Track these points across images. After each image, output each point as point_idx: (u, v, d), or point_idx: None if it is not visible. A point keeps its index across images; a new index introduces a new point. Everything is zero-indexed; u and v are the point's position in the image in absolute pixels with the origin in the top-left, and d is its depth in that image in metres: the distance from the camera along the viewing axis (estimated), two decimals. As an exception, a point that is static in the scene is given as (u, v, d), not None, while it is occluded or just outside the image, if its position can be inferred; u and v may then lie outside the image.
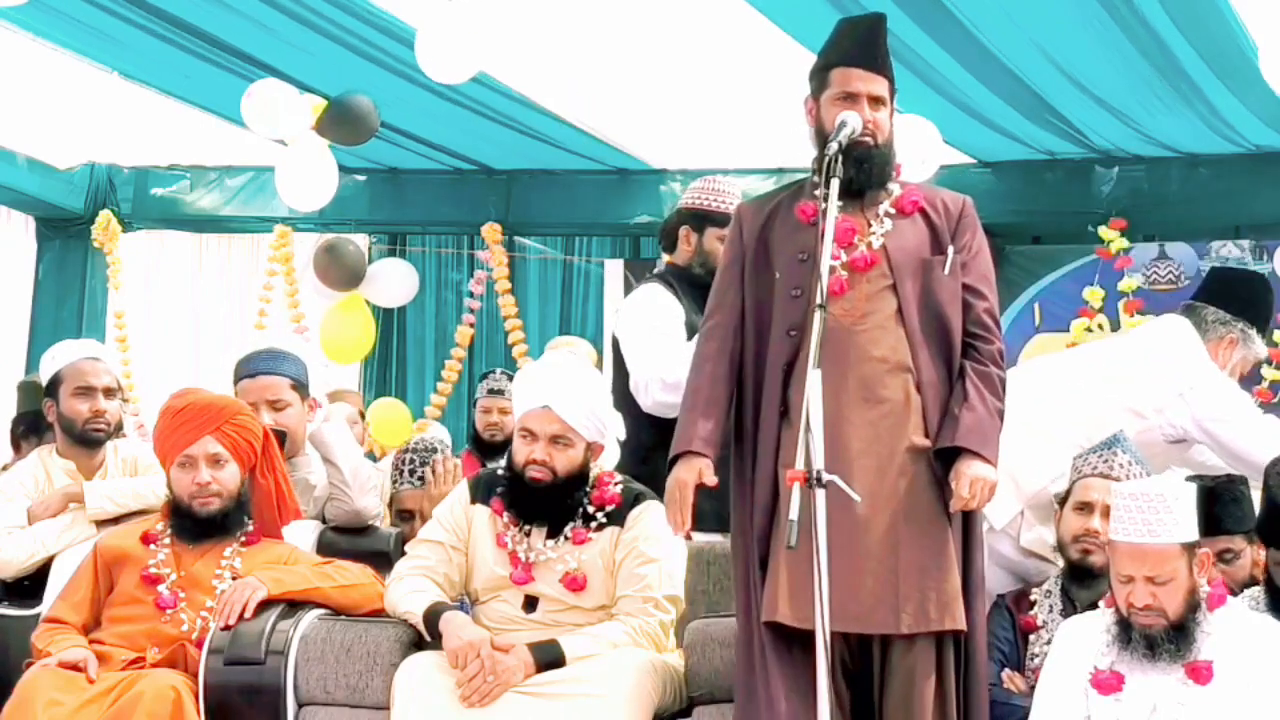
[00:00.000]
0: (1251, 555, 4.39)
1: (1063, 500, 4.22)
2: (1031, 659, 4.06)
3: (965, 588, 3.69)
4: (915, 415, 3.68)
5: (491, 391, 6.74)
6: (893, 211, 3.79)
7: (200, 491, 4.41)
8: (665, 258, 5.25)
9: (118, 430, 5.11)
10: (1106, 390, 4.48)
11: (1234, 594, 4.27)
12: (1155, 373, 4.53)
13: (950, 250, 3.75)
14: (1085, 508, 4.12)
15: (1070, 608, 4.09)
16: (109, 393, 4.99)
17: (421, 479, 5.21)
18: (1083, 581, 4.12)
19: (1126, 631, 3.66)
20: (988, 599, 3.92)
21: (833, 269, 3.66)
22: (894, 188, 3.83)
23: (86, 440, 4.97)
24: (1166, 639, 3.62)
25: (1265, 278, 5.19)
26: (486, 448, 6.51)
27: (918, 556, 3.60)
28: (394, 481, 5.27)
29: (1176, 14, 6.08)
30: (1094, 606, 3.98)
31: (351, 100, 7.25)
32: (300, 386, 5.06)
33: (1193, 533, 3.67)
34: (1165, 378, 4.52)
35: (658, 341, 4.79)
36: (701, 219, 4.99)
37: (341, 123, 7.30)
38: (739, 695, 3.76)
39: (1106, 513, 4.06)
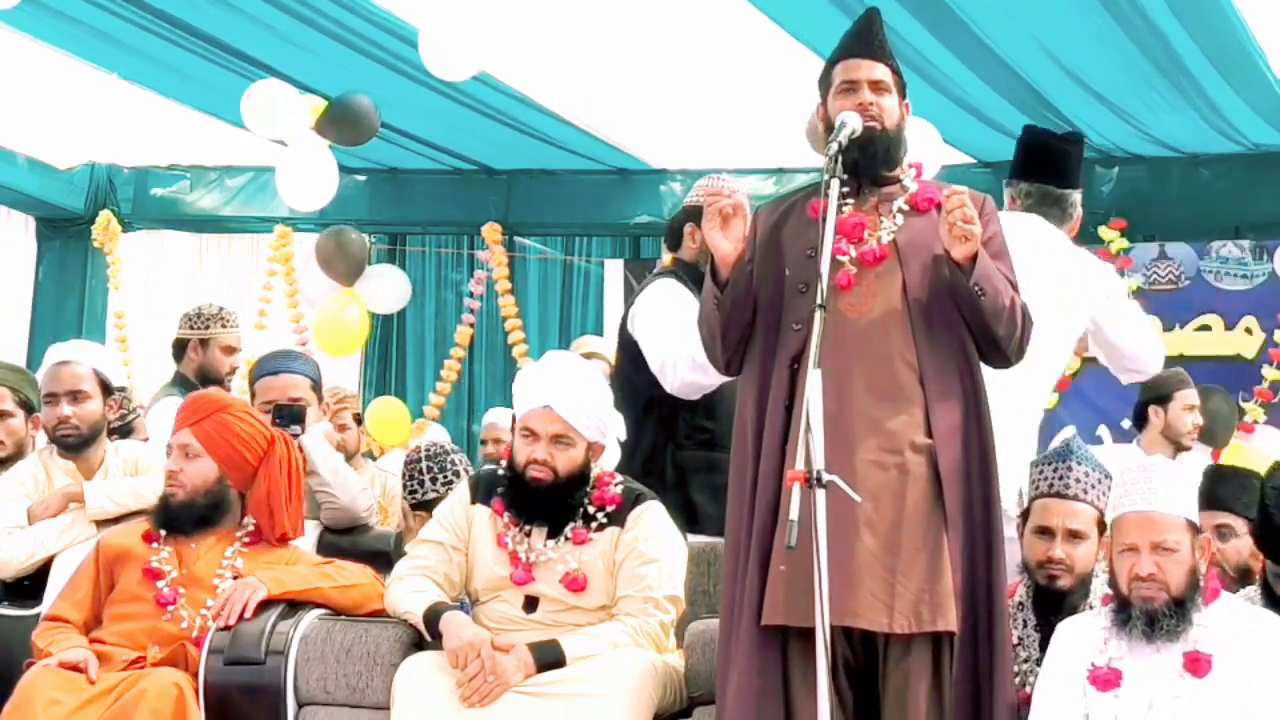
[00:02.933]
0: (1252, 548, 4.40)
1: (1024, 515, 4.14)
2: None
3: (988, 587, 3.66)
4: (919, 412, 3.67)
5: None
6: (907, 208, 3.79)
7: (168, 479, 4.46)
8: (667, 257, 5.26)
9: (94, 429, 4.98)
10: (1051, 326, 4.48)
11: (1228, 576, 4.29)
12: (1068, 291, 4.58)
13: None
14: (1045, 532, 4.03)
15: (1045, 624, 4.00)
16: (75, 396, 4.94)
17: (449, 484, 5.00)
18: (1050, 605, 4.03)
19: (1125, 610, 3.65)
20: None
21: (841, 264, 3.68)
22: (911, 184, 3.83)
23: (62, 446, 4.96)
24: (1167, 614, 3.60)
25: (1079, 135, 5.14)
26: None
27: (915, 557, 3.59)
28: (412, 491, 5.04)
29: (1176, 7, 6.08)
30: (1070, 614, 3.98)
31: (351, 100, 7.25)
32: (317, 387, 5.20)
33: (1195, 512, 3.70)
34: (1076, 290, 4.60)
35: (684, 325, 4.78)
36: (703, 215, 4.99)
37: (342, 123, 7.30)
38: (719, 694, 3.75)
39: (1068, 536, 4.00)
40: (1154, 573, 3.62)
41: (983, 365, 3.81)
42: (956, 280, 3.67)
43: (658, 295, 4.98)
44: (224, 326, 6.27)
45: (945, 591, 3.59)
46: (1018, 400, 4.32)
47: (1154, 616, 3.61)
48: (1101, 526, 4.04)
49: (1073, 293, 4.58)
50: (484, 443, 6.88)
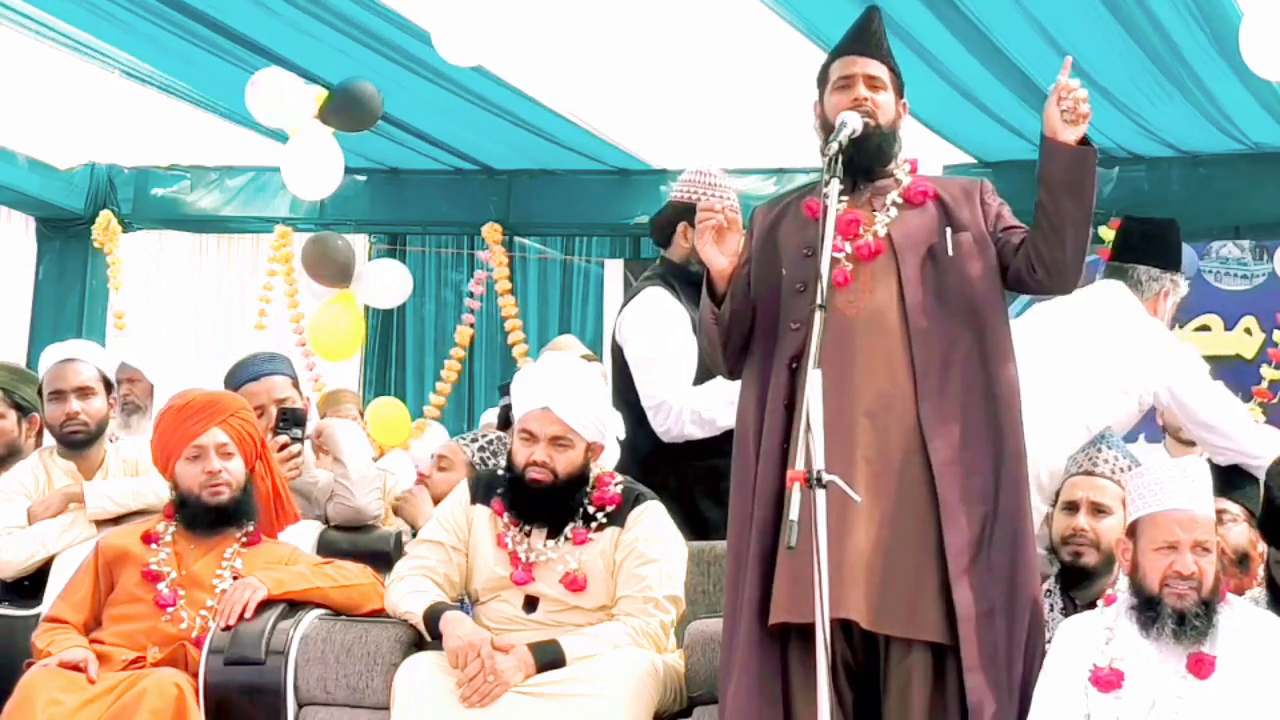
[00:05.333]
0: (1250, 535, 4.42)
1: (1053, 501, 4.22)
2: None
3: (1009, 574, 3.64)
4: (911, 411, 3.67)
5: None
6: (900, 201, 3.80)
7: (210, 480, 4.43)
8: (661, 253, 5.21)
9: (100, 427, 4.99)
10: (1094, 371, 4.55)
11: (1228, 560, 4.31)
12: (1127, 349, 4.63)
13: (948, 231, 3.75)
14: (1071, 507, 4.12)
15: (1070, 606, 4.09)
16: (83, 393, 4.94)
17: None
18: (1078, 583, 4.12)
19: (1153, 608, 3.62)
20: None
21: (838, 261, 3.68)
22: (904, 178, 3.83)
23: (68, 444, 4.96)
24: (1197, 615, 3.59)
25: (1174, 222, 5.22)
26: None
27: (905, 557, 3.59)
28: (484, 460, 5.20)
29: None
30: (1094, 604, 3.99)
31: (354, 86, 7.25)
32: (297, 384, 5.22)
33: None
34: (1136, 351, 4.63)
35: (685, 364, 4.77)
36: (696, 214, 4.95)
37: (344, 109, 7.30)
38: (720, 695, 3.75)
39: (1092, 510, 4.10)
40: (1195, 571, 3.61)
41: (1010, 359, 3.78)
42: (1067, 159, 3.57)
43: (647, 312, 4.89)
44: None
45: (931, 597, 3.58)
46: (1046, 444, 4.34)
47: (1185, 616, 3.60)
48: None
49: (1128, 359, 4.63)
50: None
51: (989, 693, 3.56)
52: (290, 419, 4.98)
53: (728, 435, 4.22)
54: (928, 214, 3.77)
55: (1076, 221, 3.65)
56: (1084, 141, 3.60)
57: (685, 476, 4.83)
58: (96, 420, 4.97)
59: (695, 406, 4.72)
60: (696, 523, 4.69)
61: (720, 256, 3.75)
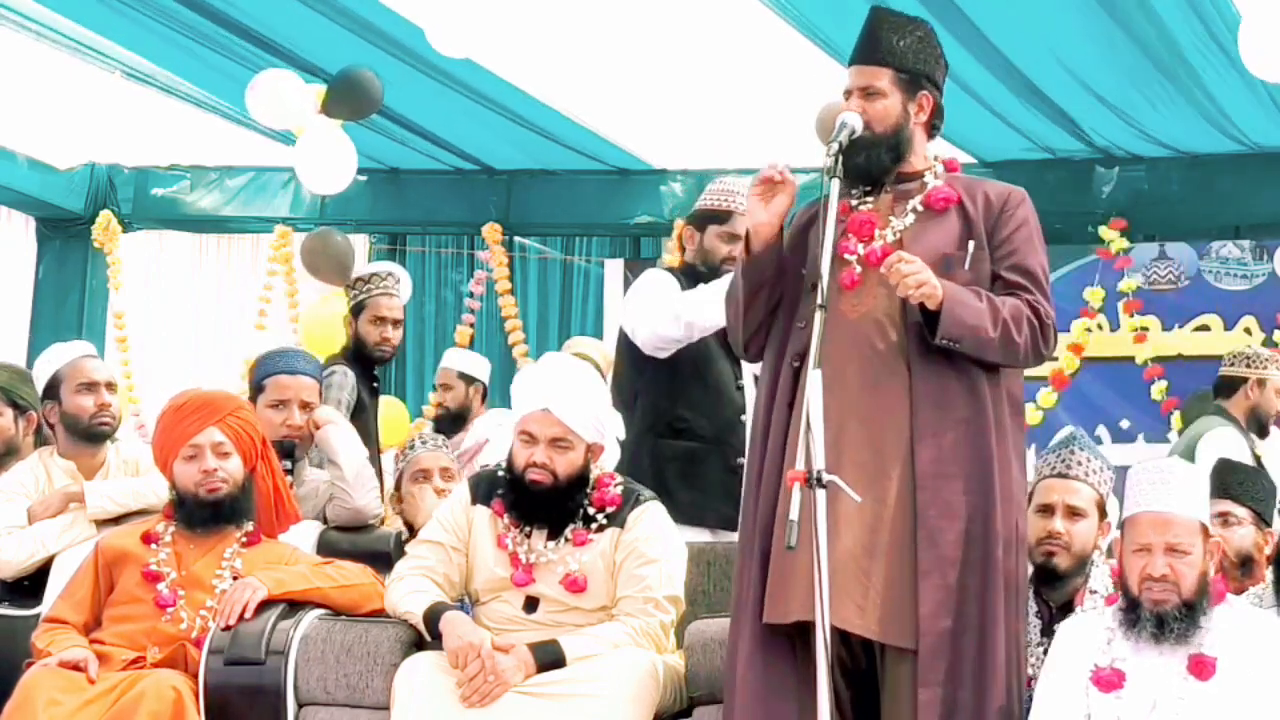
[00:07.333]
0: (1255, 539, 4.41)
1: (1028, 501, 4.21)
2: None
3: (981, 589, 3.63)
4: (906, 414, 3.67)
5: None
6: (920, 208, 3.79)
7: (206, 479, 4.43)
8: (667, 256, 5.32)
9: (119, 423, 5.10)
10: None
11: (1230, 563, 4.30)
12: None
13: (970, 245, 3.74)
14: (1046, 510, 4.10)
15: (1044, 608, 4.08)
16: (110, 387, 5.02)
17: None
18: (1051, 584, 4.11)
19: (1134, 611, 3.64)
20: None
21: (848, 263, 3.70)
22: (933, 181, 3.82)
23: (93, 435, 4.98)
24: (1176, 618, 3.60)
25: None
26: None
27: (888, 562, 3.59)
28: None
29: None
30: (1068, 606, 4.00)
31: (353, 73, 7.24)
32: (322, 393, 5.29)
33: (1207, 514, 3.71)
34: None
35: (668, 289, 4.95)
36: (704, 218, 5.12)
37: (345, 97, 7.29)
38: (726, 688, 3.77)
39: (1067, 514, 4.08)
40: (1167, 574, 3.61)
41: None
42: (930, 339, 3.65)
43: (641, 281, 5.10)
44: None
45: (908, 605, 3.58)
46: None
47: (1164, 618, 3.61)
48: (1101, 510, 4.11)
49: None
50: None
51: (939, 710, 3.56)
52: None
53: (702, 422, 4.57)
54: (948, 222, 3.76)
55: (985, 348, 3.67)
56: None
57: (659, 457, 4.94)
58: (119, 416, 5.06)
59: (675, 309, 4.87)
60: (667, 505, 4.72)
61: (763, 211, 3.76)
